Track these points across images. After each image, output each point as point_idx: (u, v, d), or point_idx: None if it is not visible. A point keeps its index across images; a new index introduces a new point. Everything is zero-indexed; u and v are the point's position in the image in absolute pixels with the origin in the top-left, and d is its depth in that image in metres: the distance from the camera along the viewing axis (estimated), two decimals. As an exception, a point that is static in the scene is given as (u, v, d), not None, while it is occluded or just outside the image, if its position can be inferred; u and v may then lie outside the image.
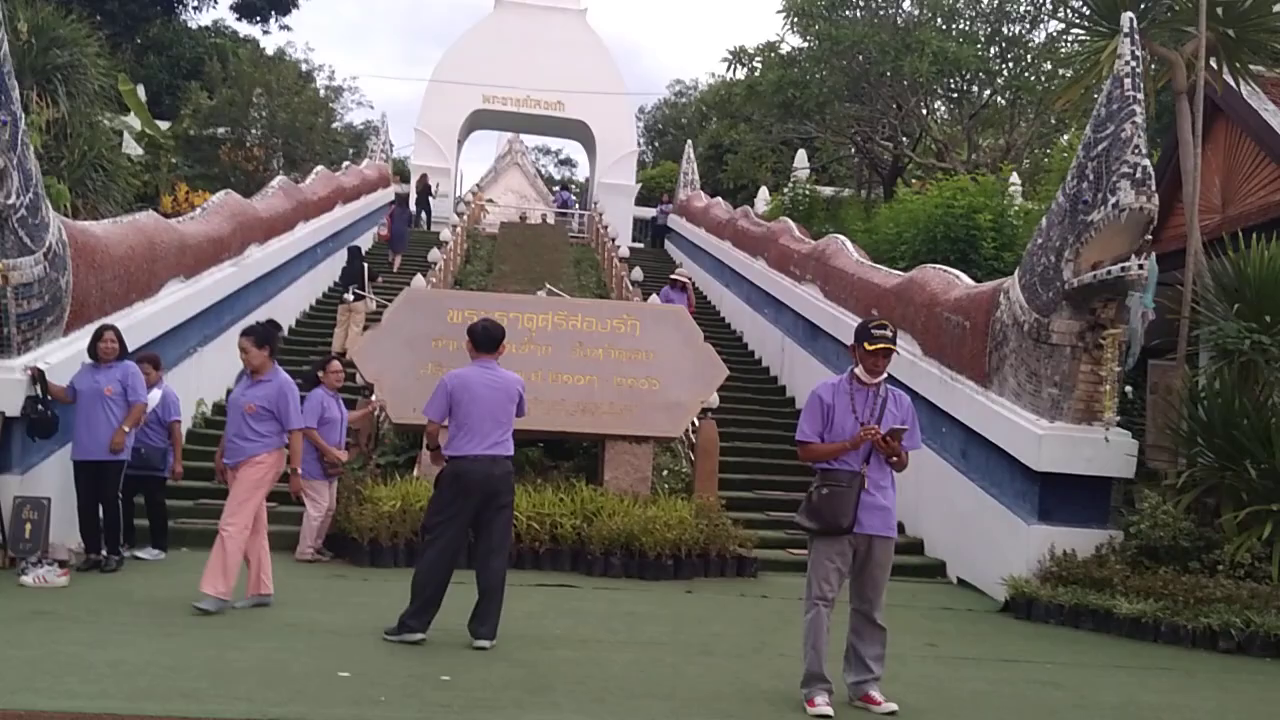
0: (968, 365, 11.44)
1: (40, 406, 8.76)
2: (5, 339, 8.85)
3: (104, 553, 8.98)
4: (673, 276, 18.75)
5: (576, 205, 39.17)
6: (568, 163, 66.84)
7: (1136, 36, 9.66)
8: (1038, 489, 9.97)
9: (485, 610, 6.89)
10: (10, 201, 8.61)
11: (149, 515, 9.84)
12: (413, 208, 27.36)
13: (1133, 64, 9.58)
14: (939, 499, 11.63)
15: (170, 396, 10.01)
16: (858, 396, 6.01)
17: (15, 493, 8.68)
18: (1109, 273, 9.42)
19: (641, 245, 30.15)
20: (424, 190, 30.23)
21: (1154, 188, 9.28)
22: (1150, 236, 9.49)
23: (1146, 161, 9.31)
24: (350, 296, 16.54)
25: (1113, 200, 9.38)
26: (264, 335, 7.95)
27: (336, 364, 10.73)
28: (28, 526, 8.55)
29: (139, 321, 11.05)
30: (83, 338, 9.53)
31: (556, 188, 49.66)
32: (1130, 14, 9.81)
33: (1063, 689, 6.81)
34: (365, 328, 15.20)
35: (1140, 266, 9.32)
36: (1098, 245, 9.60)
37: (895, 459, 5.97)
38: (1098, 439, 9.75)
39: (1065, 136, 25.37)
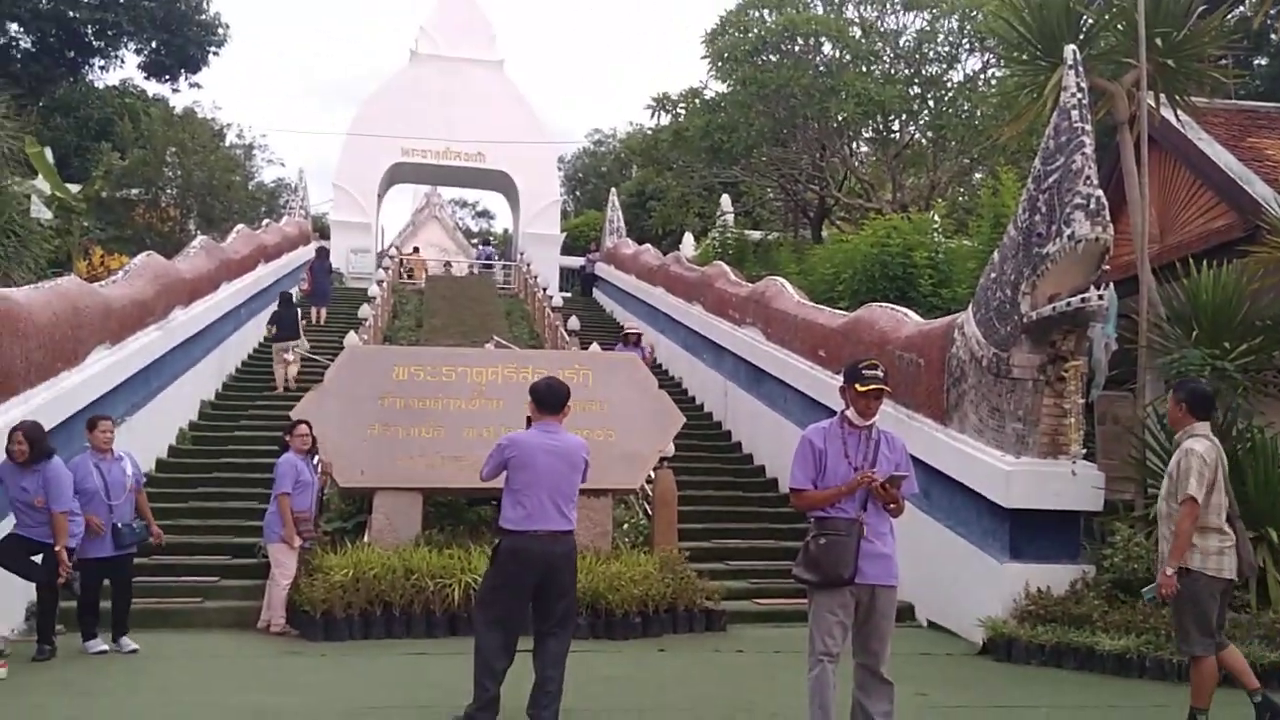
0: (924, 403, 11.33)
1: None
2: (-73, 415, 8.26)
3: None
4: (625, 331, 18.26)
5: (498, 258, 38.88)
6: (485, 214, 66.74)
7: (1080, 68, 9.71)
8: (1007, 526, 9.83)
9: (544, 696, 6.31)
10: (-74, 269, 8.06)
11: (124, 599, 9.00)
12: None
13: (1079, 95, 9.61)
14: (903, 540, 11.30)
15: (136, 460, 9.51)
16: (850, 440, 5.78)
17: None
18: (1068, 304, 9.36)
19: (569, 295, 29.85)
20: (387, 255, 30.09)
21: (1108, 218, 9.27)
22: (1107, 267, 9.47)
23: (1099, 192, 9.31)
24: (291, 356, 17.04)
25: (1067, 232, 9.34)
26: None
27: (304, 427, 10.26)
28: (-44, 617, 7.92)
29: (66, 391, 10.46)
30: (11, 410, 8.94)
31: (476, 242, 49.36)
32: (1073, 46, 9.87)
33: (1066, 734, 6.59)
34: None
35: (1100, 297, 9.30)
36: (1054, 277, 9.56)
37: (893, 505, 5.75)
38: (1065, 473, 9.65)
39: (978, 175, 25.85)
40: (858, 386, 5.73)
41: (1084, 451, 9.86)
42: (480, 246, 43.76)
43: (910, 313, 12.75)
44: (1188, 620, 6.40)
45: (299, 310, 18.52)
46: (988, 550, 10.03)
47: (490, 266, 35.92)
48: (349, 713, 6.71)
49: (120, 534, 8.83)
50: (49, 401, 10.02)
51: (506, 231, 51.60)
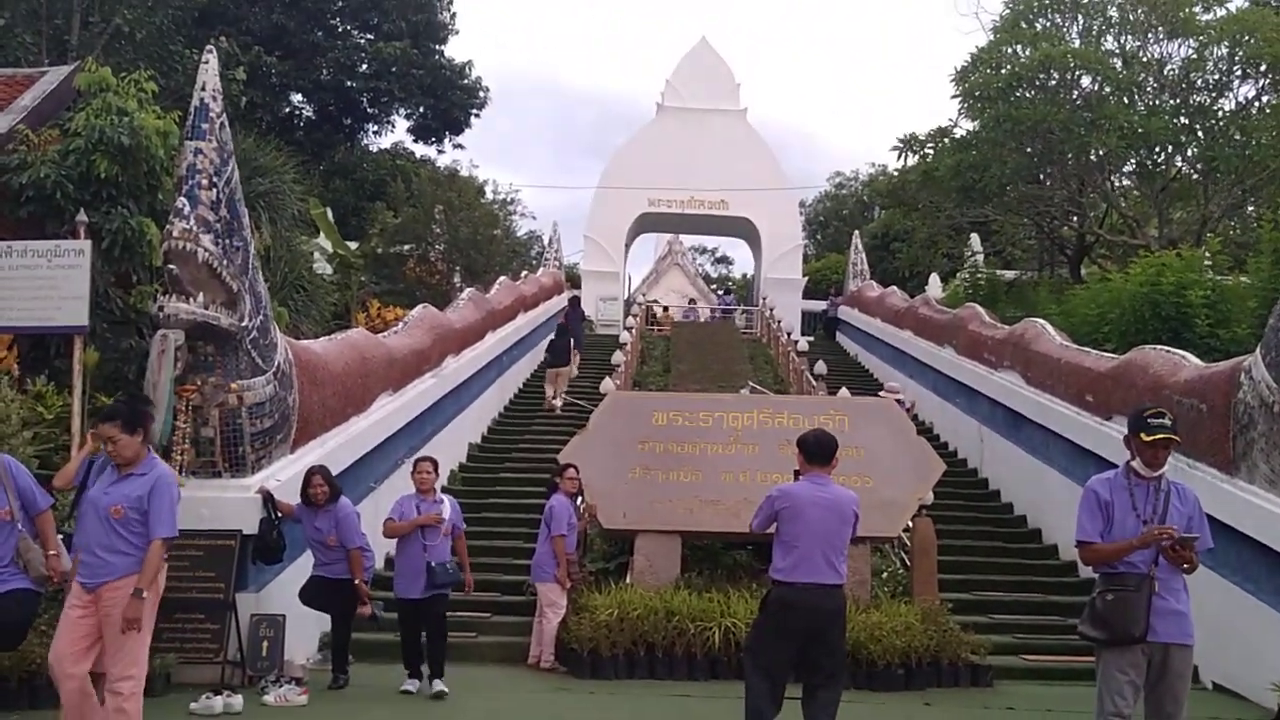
0: (1207, 451, 10.69)
1: (273, 531, 8.89)
2: (240, 458, 9.10)
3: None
4: (883, 393, 17.60)
5: (737, 303, 39.38)
6: (724, 260, 67.53)
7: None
8: (1305, 585, 9.14)
9: None
10: (244, 324, 8.93)
11: (435, 640, 8.98)
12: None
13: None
14: (1184, 597, 10.78)
15: (457, 506, 9.58)
16: (1137, 492, 5.53)
17: (252, 610, 8.81)
18: (1373, 346, 8.68)
19: (811, 339, 29.78)
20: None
21: None
22: None
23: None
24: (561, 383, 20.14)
25: (1371, 268, 8.69)
26: (133, 416, 6.04)
27: (572, 470, 10.69)
28: (265, 644, 8.65)
29: (355, 435, 11.29)
30: (310, 453, 9.72)
31: (716, 289, 50.07)
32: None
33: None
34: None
35: None
36: (1354, 317, 8.89)
37: (1186, 565, 5.46)
38: (1372, 528, 8.89)
39: (1250, 208, 24.20)
40: (1143, 436, 5.50)
41: (1395, 505, 9.06)
42: (721, 295, 44.47)
43: (1188, 355, 12.08)
44: None
45: (570, 341, 20.77)
46: (1282, 610, 9.34)
47: (730, 312, 36.38)
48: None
49: (433, 573, 8.85)
50: (342, 445, 10.84)
51: (745, 276, 52.02)
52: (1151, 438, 5.48)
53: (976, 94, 23.04)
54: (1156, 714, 5.42)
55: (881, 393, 17.49)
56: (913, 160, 25.57)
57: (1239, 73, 22.61)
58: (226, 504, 8.93)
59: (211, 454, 9.04)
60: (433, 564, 8.86)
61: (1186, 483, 5.89)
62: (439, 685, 8.72)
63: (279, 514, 8.99)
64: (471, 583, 9.56)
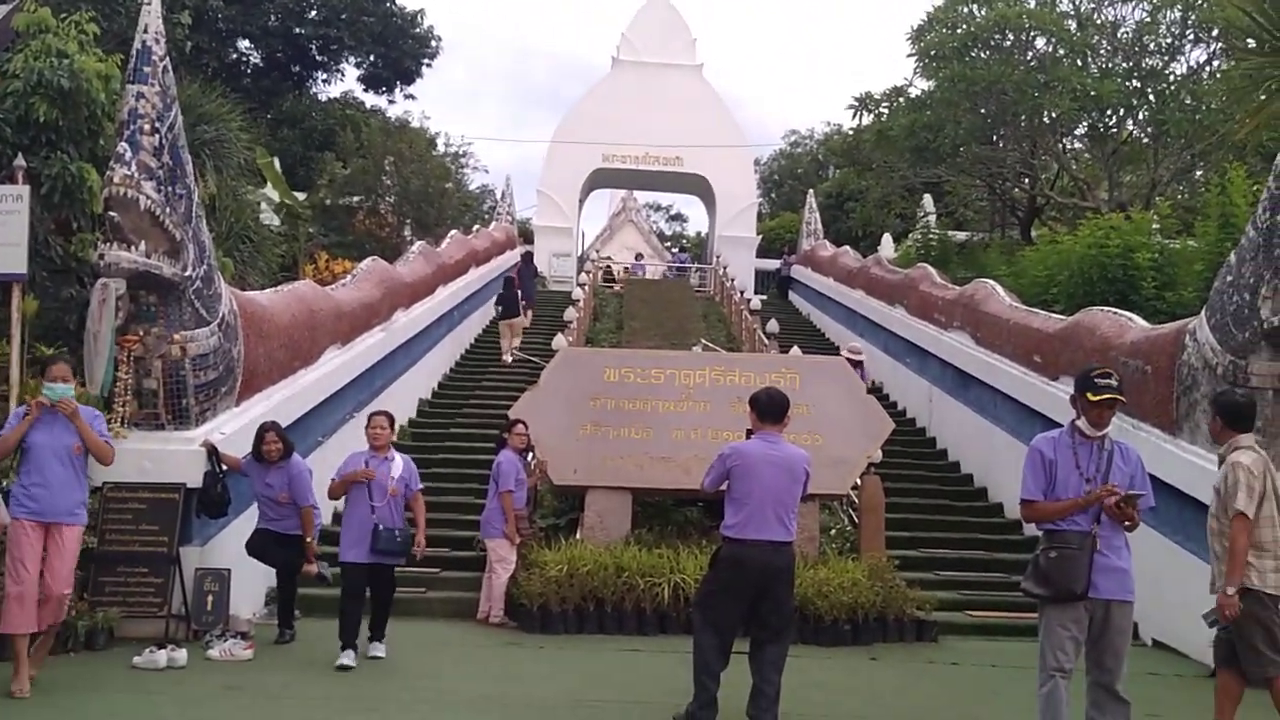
0: (1151, 412, 10.84)
1: (218, 485, 8.75)
2: (184, 410, 8.95)
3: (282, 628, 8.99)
4: (845, 355, 17.40)
5: (692, 261, 39.35)
6: (678, 218, 67.37)
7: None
8: (1242, 543, 9.28)
9: (763, 699, 6.41)
10: (187, 274, 8.75)
11: (380, 604, 8.43)
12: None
13: (1329, 88, 9.04)
14: (1125, 555, 10.97)
15: (411, 465, 8.86)
16: (1081, 451, 5.58)
17: (196, 564, 8.71)
18: (1315, 310, 8.80)
19: (764, 297, 29.80)
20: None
21: (1362, 217, 8.68)
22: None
23: (1351, 189, 8.73)
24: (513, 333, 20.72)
25: (1315, 232, 8.79)
26: None
27: (521, 425, 10.63)
28: (209, 599, 8.57)
29: (302, 389, 11.14)
30: (255, 406, 9.57)
31: (671, 247, 50.06)
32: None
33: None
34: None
35: (1351, 302, 8.70)
36: (1298, 280, 9.00)
37: (1128, 522, 5.53)
38: (1309, 488, 9.05)
39: (1198, 172, 24.49)
40: (1089, 395, 5.55)
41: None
42: (678, 254, 44.47)
43: (1134, 317, 12.22)
44: (1259, 641, 6.07)
45: (518, 293, 21.05)
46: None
47: (685, 270, 36.36)
48: (572, 704, 6.93)
49: (378, 537, 8.13)
50: (288, 398, 10.69)
51: (699, 234, 51.97)
52: (1097, 397, 5.52)
53: (932, 53, 23.06)
54: (1097, 669, 5.52)
55: (844, 353, 17.44)
56: (868, 120, 25.60)
57: (1191, 37, 22.81)
58: (170, 457, 8.80)
59: (154, 406, 8.88)
60: (380, 527, 8.15)
61: (1130, 442, 5.95)
62: (377, 650, 8.26)
63: (224, 467, 8.86)
64: (424, 544, 8.75)
